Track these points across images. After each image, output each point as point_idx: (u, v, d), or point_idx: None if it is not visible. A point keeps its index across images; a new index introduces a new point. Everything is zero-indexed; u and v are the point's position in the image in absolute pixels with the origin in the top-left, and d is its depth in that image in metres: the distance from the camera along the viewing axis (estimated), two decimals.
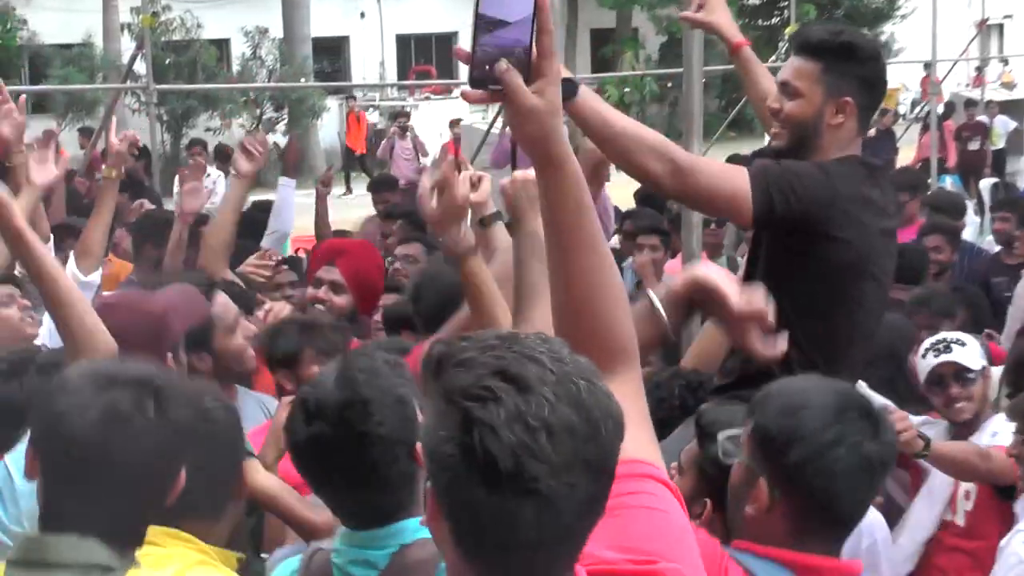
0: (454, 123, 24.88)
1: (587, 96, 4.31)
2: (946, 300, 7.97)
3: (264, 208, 10.39)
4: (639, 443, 2.67)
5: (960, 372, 6.36)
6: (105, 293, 6.98)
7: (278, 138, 35.21)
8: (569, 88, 3.97)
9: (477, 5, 2.59)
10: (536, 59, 2.61)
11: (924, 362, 6.53)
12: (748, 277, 4.73)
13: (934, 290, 8.37)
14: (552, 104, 2.65)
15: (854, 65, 4.78)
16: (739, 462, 3.41)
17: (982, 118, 24.25)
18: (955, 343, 6.50)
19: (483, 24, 2.60)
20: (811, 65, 4.76)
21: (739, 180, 4.47)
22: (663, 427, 4.35)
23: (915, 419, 6.33)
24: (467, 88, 2.70)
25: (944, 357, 6.38)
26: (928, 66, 28.73)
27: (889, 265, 4.91)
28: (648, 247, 9.70)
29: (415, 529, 3.16)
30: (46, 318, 6.19)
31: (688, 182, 4.43)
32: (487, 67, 2.62)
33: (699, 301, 3.51)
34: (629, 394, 2.68)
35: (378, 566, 3.15)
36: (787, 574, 3.19)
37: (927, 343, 6.59)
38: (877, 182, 4.80)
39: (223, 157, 19.75)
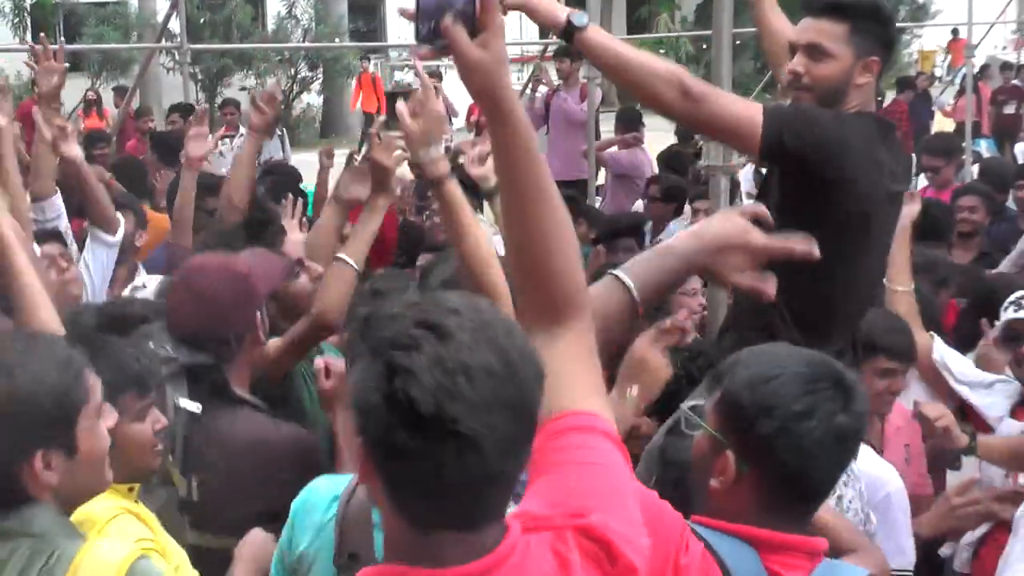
0: None
1: (595, 31, 4.52)
2: (943, 269, 7.89)
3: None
4: (585, 394, 2.74)
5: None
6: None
7: (312, 98, 35.30)
8: (580, 22, 4.37)
9: None
10: (480, 12, 2.66)
11: (1003, 315, 6.38)
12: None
13: (934, 257, 8.16)
14: (497, 55, 2.70)
15: (878, 26, 4.85)
16: (703, 433, 3.34)
17: (1017, 82, 24.19)
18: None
19: None
20: (839, 27, 4.76)
21: (753, 110, 4.56)
22: (671, 398, 4.35)
23: (986, 377, 6.36)
24: (416, 46, 2.75)
25: (1018, 310, 6.28)
26: (955, 32, 28.57)
27: (890, 227, 5.00)
28: None
29: None
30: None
31: (701, 108, 4.50)
32: (433, 23, 2.66)
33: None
34: (579, 345, 2.79)
35: None
36: (750, 551, 3.12)
37: (1013, 297, 6.39)
38: (889, 142, 4.85)
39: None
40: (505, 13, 3.67)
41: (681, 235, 3.49)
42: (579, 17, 4.46)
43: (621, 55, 4.54)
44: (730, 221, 3.37)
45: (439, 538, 2.44)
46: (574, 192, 12.19)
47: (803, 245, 3.30)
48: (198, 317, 4.83)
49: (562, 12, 4.50)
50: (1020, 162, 14.94)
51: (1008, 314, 6.31)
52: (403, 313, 2.44)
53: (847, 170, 4.53)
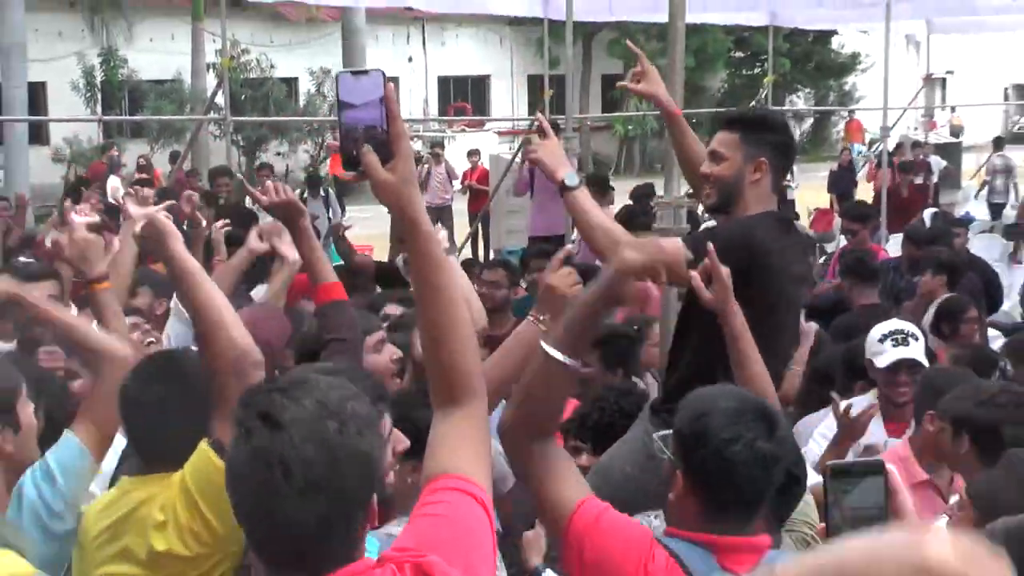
0: (471, 153, 24.80)
1: (583, 194, 4.83)
2: None
3: None
4: (465, 461, 2.75)
5: (914, 365, 6.22)
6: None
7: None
8: (571, 182, 4.68)
9: (337, 92, 2.75)
10: (391, 140, 2.72)
11: (883, 347, 6.34)
12: (684, 316, 4.98)
13: None
14: (403, 176, 2.73)
15: (766, 133, 4.93)
16: (667, 459, 3.45)
17: (933, 157, 24.29)
18: (911, 336, 6.35)
19: (342, 105, 2.72)
20: (732, 136, 4.90)
21: (676, 243, 4.64)
22: (609, 428, 4.48)
23: (853, 401, 6.25)
24: (341, 171, 2.83)
25: (904, 352, 6.33)
26: (851, 114, 28.87)
27: (797, 303, 5.21)
28: None
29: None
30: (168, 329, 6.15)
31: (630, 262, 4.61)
32: (354, 151, 2.73)
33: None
34: (469, 422, 2.81)
35: None
36: (706, 552, 3.22)
37: (887, 329, 6.39)
38: (788, 230, 4.95)
39: (313, 183, 19.99)
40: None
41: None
42: (571, 178, 4.81)
43: (592, 218, 4.78)
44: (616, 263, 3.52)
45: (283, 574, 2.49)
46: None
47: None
48: None
49: (561, 171, 4.82)
50: (928, 225, 14.97)
51: (888, 347, 6.33)
52: (256, 396, 2.49)
53: (753, 272, 4.54)
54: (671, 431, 3.46)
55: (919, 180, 20.87)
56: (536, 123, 5.62)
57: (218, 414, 3.42)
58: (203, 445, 3.43)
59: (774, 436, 3.28)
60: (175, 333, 6.52)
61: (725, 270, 4.13)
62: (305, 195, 17.79)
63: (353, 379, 2.77)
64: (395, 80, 38.10)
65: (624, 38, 39.83)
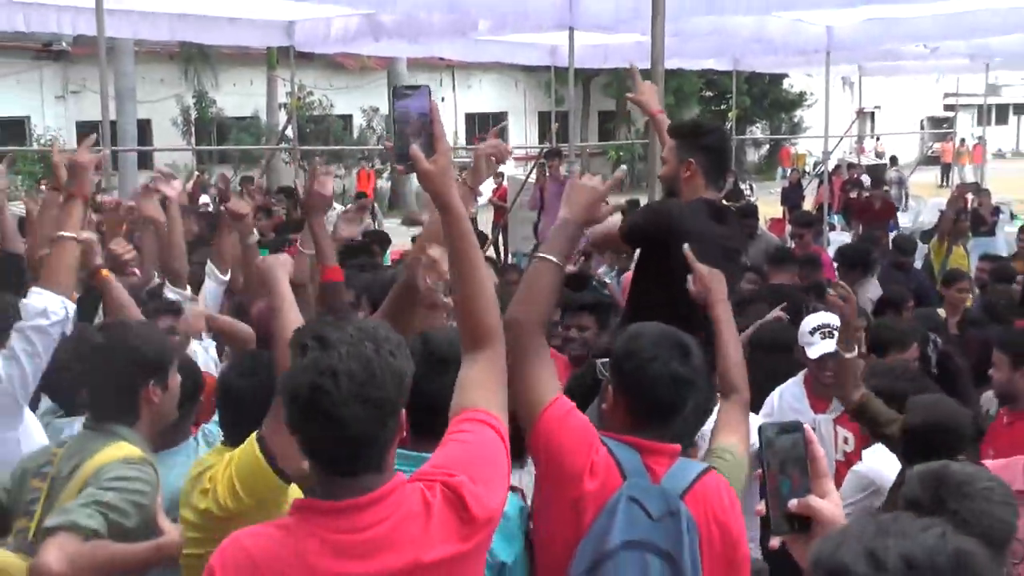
0: (497, 175, 24.95)
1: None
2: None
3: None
4: (484, 398, 2.83)
5: (837, 356, 6.26)
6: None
7: (382, 182, 35.34)
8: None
9: (392, 107, 2.91)
10: (433, 140, 2.83)
11: (812, 339, 6.28)
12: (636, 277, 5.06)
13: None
14: (442, 168, 2.84)
15: (698, 139, 4.95)
16: (604, 379, 3.57)
17: (864, 176, 24.24)
18: (836, 329, 6.20)
19: (398, 96, 2.89)
20: (671, 142, 5.02)
21: (616, 224, 4.81)
22: (591, 393, 4.48)
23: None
24: (399, 165, 2.89)
25: (830, 346, 6.25)
26: (781, 143, 28.85)
27: (730, 276, 4.87)
28: None
29: None
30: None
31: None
32: (403, 141, 2.85)
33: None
34: (489, 363, 2.90)
35: None
36: (634, 453, 3.27)
37: (817, 323, 6.33)
38: (720, 218, 4.89)
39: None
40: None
41: (563, 211, 3.63)
42: None
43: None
44: (585, 188, 3.63)
45: (331, 481, 2.54)
46: None
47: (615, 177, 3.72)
48: None
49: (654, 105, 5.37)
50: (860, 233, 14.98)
51: (817, 340, 6.28)
52: (309, 324, 2.69)
53: (679, 233, 4.52)
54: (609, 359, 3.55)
55: (853, 194, 20.83)
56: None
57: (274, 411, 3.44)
58: (252, 436, 3.47)
59: (688, 362, 3.34)
60: (209, 292, 6.53)
61: (704, 268, 4.14)
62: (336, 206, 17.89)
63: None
64: None
65: (616, 82, 40.04)
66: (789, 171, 32.26)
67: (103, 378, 3.55)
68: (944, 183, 32.85)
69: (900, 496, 3.03)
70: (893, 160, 29.54)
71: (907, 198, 25.88)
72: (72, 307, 4.14)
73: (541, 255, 3.50)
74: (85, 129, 29.88)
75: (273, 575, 2.45)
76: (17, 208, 8.69)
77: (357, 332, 2.51)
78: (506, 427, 2.82)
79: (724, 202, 5.14)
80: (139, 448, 3.48)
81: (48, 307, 3.98)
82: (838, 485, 5.17)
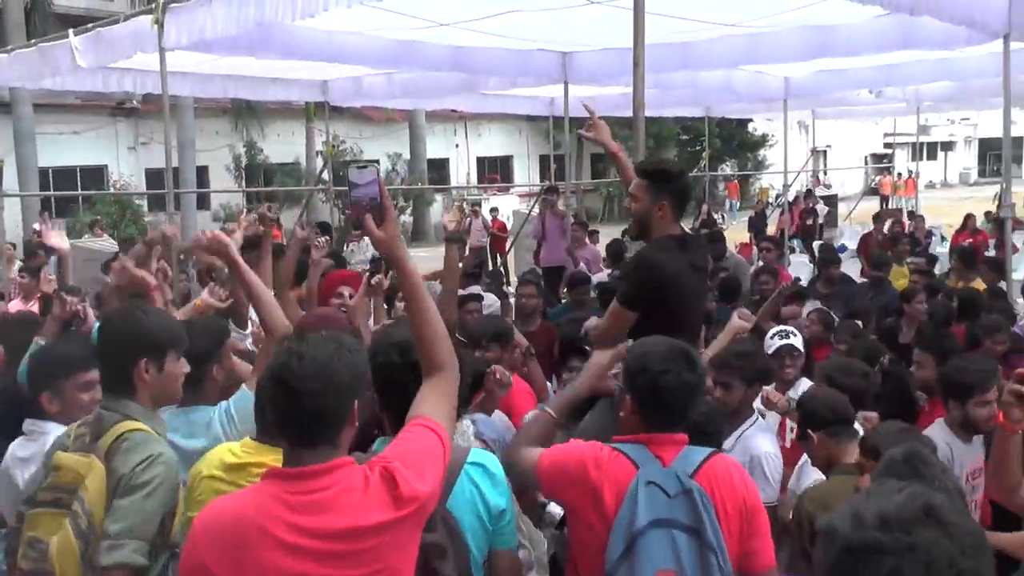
0: (492, 210, 25.07)
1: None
2: None
3: None
4: (431, 410, 2.88)
5: (792, 350, 6.25)
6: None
7: (406, 218, 35.36)
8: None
9: (348, 179, 2.97)
10: (382, 211, 2.95)
11: (771, 342, 6.33)
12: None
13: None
14: (391, 234, 2.98)
15: (669, 183, 4.91)
16: (619, 387, 3.55)
17: (819, 205, 24.26)
18: (791, 333, 6.39)
19: (351, 186, 2.94)
20: (643, 182, 4.92)
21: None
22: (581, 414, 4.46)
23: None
24: (355, 231, 3.04)
25: (784, 341, 6.30)
26: (733, 177, 29.12)
27: (701, 290, 5.22)
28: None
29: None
30: None
31: None
32: (358, 217, 2.98)
33: None
34: (437, 388, 2.95)
35: None
36: (640, 446, 3.29)
37: (775, 330, 6.42)
38: (685, 246, 4.90)
39: None
40: None
41: (576, 382, 3.81)
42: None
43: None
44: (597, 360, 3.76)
45: (293, 452, 2.68)
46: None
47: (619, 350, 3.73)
48: None
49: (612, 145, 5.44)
50: (818, 255, 14.95)
51: (776, 341, 6.31)
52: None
53: (667, 277, 4.71)
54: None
55: (809, 221, 20.85)
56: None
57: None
58: None
59: (694, 371, 3.36)
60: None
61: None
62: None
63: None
64: (445, 160, 38.30)
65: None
66: (737, 202, 32.44)
67: (101, 352, 3.56)
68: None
69: (881, 470, 2.98)
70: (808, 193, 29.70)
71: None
72: None
73: (543, 407, 3.69)
74: (153, 175, 30.24)
75: (239, 526, 2.58)
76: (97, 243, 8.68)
77: (327, 335, 2.77)
78: (447, 432, 2.87)
79: (691, 231, 5.15)
80: (145, 422, 3.41)
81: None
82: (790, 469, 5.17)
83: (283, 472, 2.66)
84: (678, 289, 4.76)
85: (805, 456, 4.92)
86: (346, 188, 3.03)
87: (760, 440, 5.13)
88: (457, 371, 3.04)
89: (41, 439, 4.03)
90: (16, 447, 4.15)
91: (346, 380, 2.66)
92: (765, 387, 5.54)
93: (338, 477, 2.63)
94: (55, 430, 3.96)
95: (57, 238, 6.31)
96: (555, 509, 4.15)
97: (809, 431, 4.60)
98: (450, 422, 2.94)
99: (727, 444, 5.23)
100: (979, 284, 10.42)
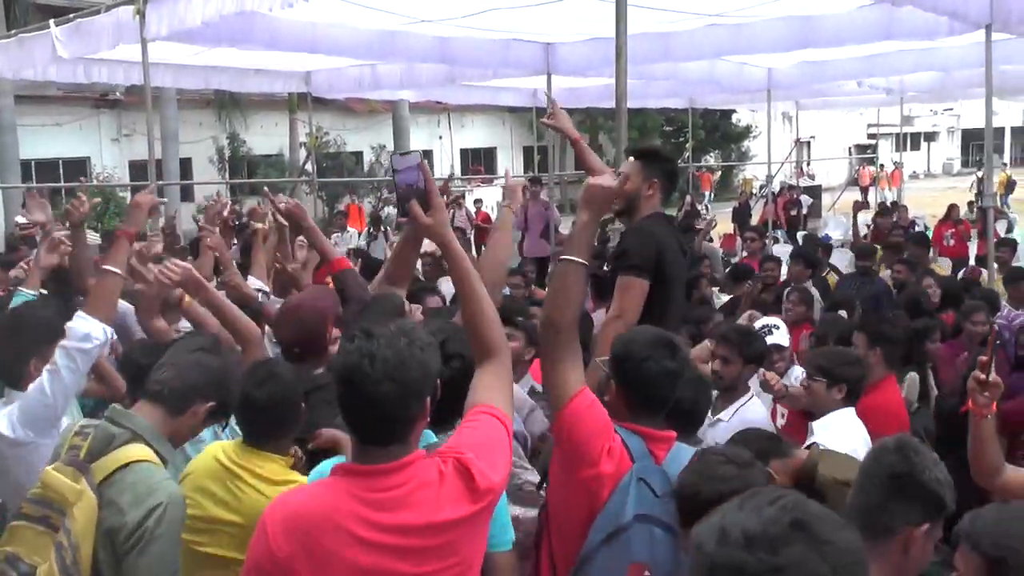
0: (477, 202, 25.12)
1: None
2: None
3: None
4: (490, 397, 2.86)
5: (777, 348, 6.26)
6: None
7: (391, 209, 35.34)
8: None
9: (391, 165, 2.95)
10: (428, 197, 2.93)
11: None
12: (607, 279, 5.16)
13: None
14: (440, 220, 2.97)
15: (659, 163, 5.04)
16: (606, 374, 3.55)
17: (803, 196, 24.29)
18: (774, 328, 6.39)
19: (394, 173, 2.91)
20: (634, 163, 5.01)
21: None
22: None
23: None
24: (402, 218, 3.05)
25: (769, 340, 6.30)
26: (710, 168, 29.25)
27: (683, 269, 5.27)
28: None
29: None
30: None
31: None
32: (404, 206, 2.95)
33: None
34: (495, 371, 2.94)
35: None
36: (639, 439, 3.33)
37: (759, 325, 6.40)
38: (670, 223, 5.11)
39: (374, 221, 19.96)
40: None
41: (581, 213, 3.44)
42: None
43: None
44: (592, 192, 3.41)
45: (364, 450, 2.62)
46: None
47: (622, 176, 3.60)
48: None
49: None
50: (800, 244, 14.95)
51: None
52: (365, 322, 2.72)
53: (663, 249, 4.84)
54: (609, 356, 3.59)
55: (793, 212, 20.86)
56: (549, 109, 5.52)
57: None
58: None
59: (676, 358, 3.41)
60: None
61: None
62: (370, 230, 17.91)
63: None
64: (429, 152, 38.14)
65: (588, 120, 40.05)
66: (711, 194, 32.60)
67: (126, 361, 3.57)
68: (866, 205, 33.00)
69: (872, 460, 2.97)
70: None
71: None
72: (111, 332, 3.99)
73: (565, 257, 3.36)
74: (137, 167, 30.12)
75: (313, 523, 2.53)
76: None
77: (396, 329, 2.62)
78: (509, 419, 2.84)
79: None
80: (153, 443, 3.21)
81: (91, 332, 3.81)
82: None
83: (356, 469, 2.61)
84: (673, 261, 4.91)
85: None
86: (389, 174, 3.03)
87: (756, 412, 5.31)
88: (510, 355, 3.04)
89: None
90: None
91: (418, 378, 2.58)
92: (765, 370, 5.62)
93: (413, 472, 2.59)
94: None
95: (39, 210, 6.14)
96: (532, 476, 4.14)
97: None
98: (510, 407, 2.93)
99: (724, 416, 5.33)
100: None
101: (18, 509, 3.17)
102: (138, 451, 3.14)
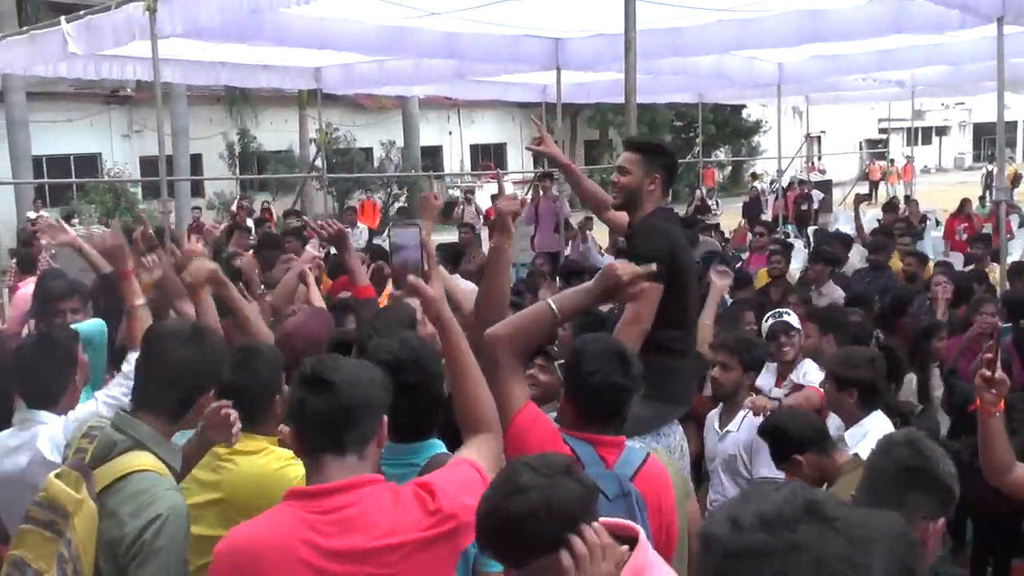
0: (493, 197, 25.11)
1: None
2: None
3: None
4: (474, 456, 2.86)
5: (787, 327, 6.26)
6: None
7: (401, 204, 35.39)
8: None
9: (392, 239, 3.05)
10: (428, 272, 2.99)
11: (765, 324, 6.38)
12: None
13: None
14: (437, 294, 2.99)
15: (660, 157, 4.92)
16: (559, 379, 3.64)
17: (815, 191, 24.21)
18: (784, 312, 6.44)
19: (394, 248, 2.99)
20: (635, 155, 4.89)
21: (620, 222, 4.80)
22: None
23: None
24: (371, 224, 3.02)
25: (776, 319, 6.32)
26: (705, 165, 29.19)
27: (692, 268, 5.09)
28: None
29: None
30: None
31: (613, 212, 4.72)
32: (401, 276, 3.00)
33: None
34: (482, 443, 2.93)
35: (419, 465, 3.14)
36: (589, 446, 3.31)
37: (768, 313, 6.47)
38: (674, 219, 5.02)
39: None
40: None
41: (592, 284, 3.45)
42: None
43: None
44: (606, 274, 3.40)
45: (319, 460, 2.58)
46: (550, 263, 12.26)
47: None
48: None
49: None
50: (810, 238, 14.94)
51: (769, 321, 6.36)
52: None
53: (675, 244, 4.76)
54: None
55: (804, 207, 20.80)
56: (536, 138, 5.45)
57: None
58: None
59: (628, 373, 3.34)
60: None
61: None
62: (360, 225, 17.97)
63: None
64: (439, 148, 38.13)
65: (598, 115, 40.06)
66: (713, 189, 32.57)
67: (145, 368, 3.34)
68: (871, 199, 32.71)
69: (889, 462, 2.94)
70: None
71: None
72: None
73: (551, 305, 3.37)
74: (147, 163, 30.17)
75: (266, 554, 2.47)
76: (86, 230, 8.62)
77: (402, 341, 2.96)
78: (487, 478, 2.76)
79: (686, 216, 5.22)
80: (156, 449, 3.13)
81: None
82: None
83: (304, 491, 2.56)
84: (685, 258, 4.84)
85: None
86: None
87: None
88: (500, 431, 3.03)
89: (33, 428, 3.94)
90: (6, 436, 4.02)
91: (377, 392, 2.62)
92: (753, 395, 5.52)
93: (364, 494, 2.53)
94: (49, 420, 3.93)
95: (58, 233, 6.12)
96: None
97: (795, 456, 4.32)
98: (493, 472, 2.79)
99: (732, 428, 5.30)
100: (896, 262, 10.53)
101: (26, 512, 3.06)
102: (141, 459, 3.04)
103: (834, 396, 4.82)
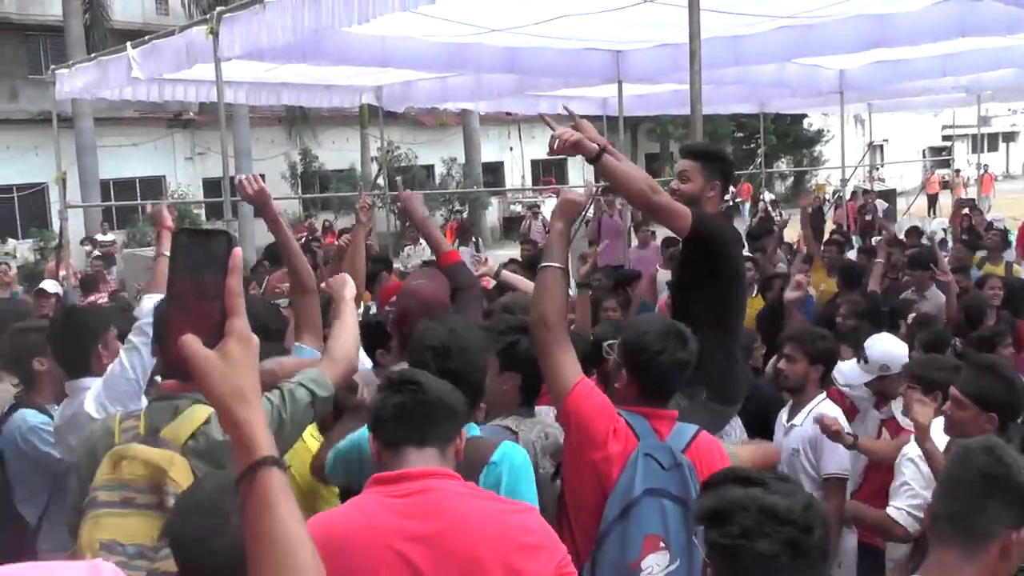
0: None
1: (608, 159, 4.54)
2: None
3: None
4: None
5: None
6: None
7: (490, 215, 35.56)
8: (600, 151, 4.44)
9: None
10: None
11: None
12: (677, 286, 5.15)
13: None
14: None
15: (718, 164, 5.03)
16: (613, 359, 3.79)
17: (879, 201, 23.90)
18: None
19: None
20: (695, 163, 4.95)
21: (685, 209, 4.67)
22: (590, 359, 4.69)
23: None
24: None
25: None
26: (743, 179, 28.83)
27: (744, 271, 5.25)
28: None
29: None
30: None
31: (661, 198, 4.57)
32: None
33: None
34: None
35: None
36: (642, 419, 3.54)
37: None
38: (732, 220, 5.26)
39: (462, 231, 20.28)
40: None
41: (554, 221, 3.85)
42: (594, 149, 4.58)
43: (619, 167, 4.58)
44: (571, 200, 3.84)
45: (402, 451, 2.69)
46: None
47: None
48: None
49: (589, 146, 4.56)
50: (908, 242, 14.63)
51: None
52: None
53: (732, 241, 4.92)
54: (617, 341, 3.86)
55: (868, 217, 20.53)
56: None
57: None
58: None
59: (687, 348, 3.58)
60: None
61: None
62: (456, 243, 18.05)
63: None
64: (500, 164, 38.14)
65: (658, 127, 39.90)
66: (749, 205, 32.28)
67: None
68: (931, 214, 31.80)
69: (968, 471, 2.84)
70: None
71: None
72: None
73: (545, 264, 3.66)
74: (210, 185, 30.55)
75: (350, 540, 2.53)
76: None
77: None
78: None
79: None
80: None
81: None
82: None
83: (385, 477, 2.65)
84: (739, 258, 5.02)
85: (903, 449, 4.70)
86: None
87: (829, 412, 5.14)
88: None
89: (80, 396, 4.14)
90: (62, 407, 4.35)
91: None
92: (824, 412, 5.17)
93: (440, 484, 2.64)
94: (91, 383, 4.17)
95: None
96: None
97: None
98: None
99: (798, 421, 5.22)
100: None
101: (91, 500, 3.03)
102: (209, 411, 3.04)
103: (971, 420, 4.21)
